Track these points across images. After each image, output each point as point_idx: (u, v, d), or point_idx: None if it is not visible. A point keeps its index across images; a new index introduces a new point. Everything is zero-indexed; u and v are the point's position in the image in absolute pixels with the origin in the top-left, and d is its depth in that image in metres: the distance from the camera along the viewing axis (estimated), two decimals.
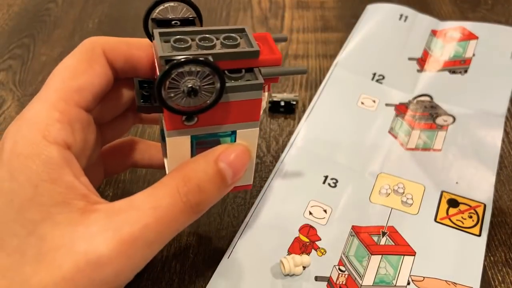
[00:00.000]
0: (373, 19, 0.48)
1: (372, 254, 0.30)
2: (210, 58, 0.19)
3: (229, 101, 0.21)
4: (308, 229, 0.31)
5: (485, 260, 0.30)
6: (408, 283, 0.29)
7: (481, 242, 0.30)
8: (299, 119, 0.39)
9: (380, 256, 0.30)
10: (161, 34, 0.21)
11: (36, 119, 0.20)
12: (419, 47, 0.46)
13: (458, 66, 0.44)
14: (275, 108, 0.40)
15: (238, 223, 0.32)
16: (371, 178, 0.34)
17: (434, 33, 0.47)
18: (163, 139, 0.26)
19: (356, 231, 0.31)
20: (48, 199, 0.19)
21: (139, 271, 0.20)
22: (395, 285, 0.28)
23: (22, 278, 0.18)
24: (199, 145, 0.23)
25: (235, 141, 0.23)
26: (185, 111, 0.20)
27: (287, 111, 0.40)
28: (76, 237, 0.18)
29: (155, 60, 0.22)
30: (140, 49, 0.23)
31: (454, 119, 0.39)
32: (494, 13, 0.51)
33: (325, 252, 0.30)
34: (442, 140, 0.37)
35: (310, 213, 0.32)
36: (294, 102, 0.39)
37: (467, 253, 0.30)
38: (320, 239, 0.31)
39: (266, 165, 0.36)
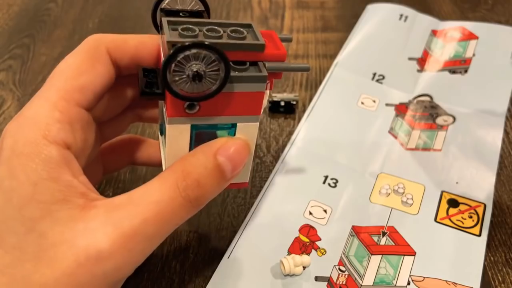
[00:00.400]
0: (373, 19, 0.48)
1: (372, 254, 0.30)
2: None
3: (232, 91, 0.21)
4: (308, 229, 0.31)
5: (485, 260, 0.30)
6: (408, 283, 0.29)
7: (481, 242, 0.30)
8: (299, 119, 0.39)
9: (380, 256, 0.30)
10: (169, 22, 0.21)
11: (36, 118, 0.20)
12: (419, 47, 0.46)
13: (458, 66, 0.44)
14: (275, 108, 0.40)
15: (238, 223, 0.32)
16: (371, 178, 0.34)
17: (434, 33, 0.47)
18: (161, 133, 0.26)
19: (356, 231, 0.31)
20: (47, 197, 0.19)
21: (138, 266, 0.21)
22: (395, 285, 0.28)
23: (23, 275, 0.18)
24: (197, 139, 0.23)
25: (234, 135, 0.23)
26: (188, 96, 0.20)
27: (287, 111, 0.40)
28: (76, 233, 0.19)
29: (161, 49, 0.22)
30: (146, 46, 0.23)
31: (454, 119, 0.39)
32: (494, 13, 0.51)
33: (325, 252, 0.30)
34: (442, 140, 0.37)
35: (310, 213, 0.32)
36: (294, 102, 0.39)
37: (467, 253, 0.30)
38: (320, 239, 0.31)
39: (266, 165, 0.36)
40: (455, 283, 0.28)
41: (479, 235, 0.31)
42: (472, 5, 0.52)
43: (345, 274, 0.29)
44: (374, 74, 0.43)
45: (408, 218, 0.32)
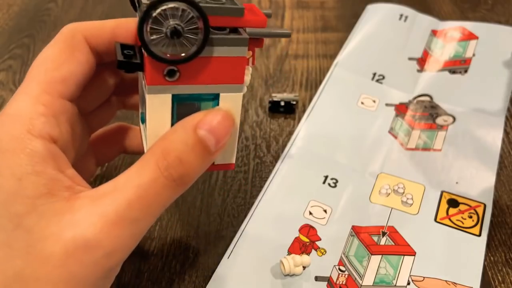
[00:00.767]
0: (373, 19, 0.48)
1: (372, 254, 0.30)
2: None
3: (212, 56, 0.20)
4: (308, 229, 0.31)
5: (485, 260, 0.30)
6: (408, 283, 0.29)
7: (481, 242, 0.30)
8: (299, 119, 0.39)
9: (380, 256, 0.30)
10: None
11: (20, 114, 0.20)
12: (419, 47, 0.46)
13: (458, 66, 0.44)
14: (275, 108, 0.40)
15: (238, 223, 0.32)
16: (371, 178, 0.34)
17: (434, 33, 0.47)
18: (142, 122, 0.25)
19: (356, 231, 0.31)
20: (32, 191, 0.19)
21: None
22: (395, 285, 0.29)
23: (15, 271, 0.18)
24: (180, 114, 0.22)
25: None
26: (167, 59, 0.19)
27: (287, 111, 0.40)
28: (62, 226, 0.18)
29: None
30: (123, 29, 0.23)
31: (454, 119, 0.39)
32: (494, 13, 0.51)
33: (325, 252, 0.30)
34: (442, 140, 0.37)
35: (310, 213, 0.32)
36: (294, 102, 0.39)
37: (467, 253, 0.30)
38: (320, 239, 0.31)
39: (266, 165, 0.36)
40: (455, 283, 0.28)
41: (479, 235, 0.31)
42: (472, 5, 0.52)
43: (345, 274, 0.29)
44: (374, 74, 0.43)
45: (408, 218, 0.32)
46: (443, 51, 0.45)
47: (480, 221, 0.32)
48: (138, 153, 0.31)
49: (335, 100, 0.41)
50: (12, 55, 0.45)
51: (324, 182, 0.34)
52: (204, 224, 0.32)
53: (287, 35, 0.23)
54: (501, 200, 0.33)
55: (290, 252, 0.30)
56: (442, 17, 0.50)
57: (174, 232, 0.32)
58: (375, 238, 0.31)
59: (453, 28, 0.47)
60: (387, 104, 0.40)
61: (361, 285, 0.28)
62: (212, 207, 0.33)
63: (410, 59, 0.44)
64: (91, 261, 0.19)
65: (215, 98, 0.22)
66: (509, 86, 0.42)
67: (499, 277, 0.29)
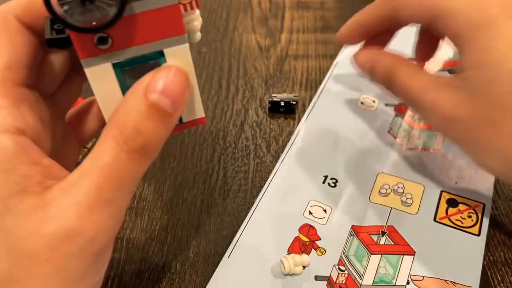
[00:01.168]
0: None
1: (371, 254, 0.30)
2: None
3: (139, 12, 0.18)
4: (308, 229, 0.31)
5: (484, 259, 0.30)
6: (408, 283, 0.29)
7: (480, 242, 0.31)
8: (299, 119, 0.39)
9: (380, 255, 0.30)
10: None
11: None
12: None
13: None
14: (275, 108, 0.40)
15: (238, 223, 0.32)
16: (370, 178, 0.34)
17: None
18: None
19: (355, 230, 0.31)
20: (4, 191, 0.18)
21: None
22: (394, 285, 0.29)
23: (4, 274, 0.18)
24: (131, 77, 0.20)
25: None
26: (89, 27, 0.18)
27: (287, 111, 0.40)
28: (39, 222, 0.18)
29: None
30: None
31: None
32: None
33: (325, 251, 0.30)
34: (441, 140, 0.37)
35: (310, 213, 0.32)
36: (294, 102, 0.40)
37: (466, 253, 0.30)
38: (320, 239, 0.31)
39: (266, 165, 0.36)
40: (454, 282, 0.29)
41: (478, 234, 0.31)
42: None
43: (344, 274, 0.29)
44: None
45: (408, 217, 0.32)
46: (443, 51, 0.45)
47: (479, 221, 0.32)
48: None
49: (335, 100, 0.41)
50: None
51: (324, 182, 0.34)
52: (204, 223, 0.32)
53: None
54: (501, 200, 0.33)
55: (290, 251, 0.30)
56: None
57: (175, 232, 0.32)
58: (375, 238, 0.31)
59: None
60: (386, 104, 0.40)
61: (360, 285, 0.29)
62: (212, 207, 0.33)
63: (410, 59, 0.44)
64: (76, 250, 0.18)
65: (161, 54, 0.20)
66: None
67: (498, 277, 0.29)
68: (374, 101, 0.41)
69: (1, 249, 0.18)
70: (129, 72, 0.20)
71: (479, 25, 0.25)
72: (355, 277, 0.29)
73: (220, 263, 0.30)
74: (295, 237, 0.31)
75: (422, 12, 0.28)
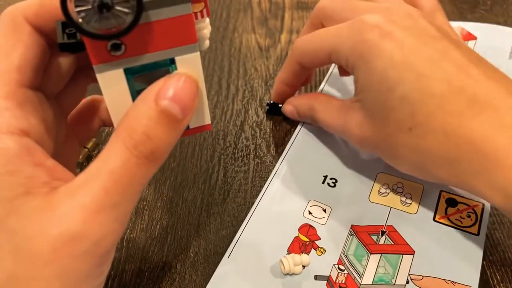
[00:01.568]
0: None
1: (371, 253, 0.30)
2: None
3: (153, 20, 0.19)
4: (307, 229, 0.31)
5: (483, 259, 0.30)
6: (407, 282, 0.29)
7: (480, 241, 0.31)
8: None
9: (379, 255, 0.30)
10: None
11: None
12: None
13: None
14: (273, 110, 0.40)
15: (238, 223, 0.32)
16: (370, 178, 0.34)
17: None
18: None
19: (355, 230, 0.31)
20: (8, 192, 0.18)
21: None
22: (394, 284, 0.29)
23: (7, 274, 0.18)
24: (141, 82, 0.20)
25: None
26: (105, 34, 0.18)
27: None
28: (45, 223, 0.18)
29: None
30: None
31: None
32: (492, 14, 0.51)
33: (325, 251, 0.30)
34: None
35: (310, 213, 0.32)
36: None
37: (465, 252, 0.30)
38: (320, 239, 0.31)
39: (266, 165, 0.36)
40: (453, 282, 0.29)
41: (478, 234, 0.31)
42: (470, 5, 0.52)
43: (344, 273, 0.29)
44: None
45: (407, 217, 0.32)
46: None
47: (478, 220, 0.32)
48: None
49: None
50: None
51: (323, 182, 0.34)
52: (204, 223, 0.32)
53: None
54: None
55: (289, 251, 0.30)
56: None
57: (175, 232, 0.32)
58: (374, 238, 0.31)
59: None
60: None
61: (360, 284, 0.29)
62: (212, 207, 0.33)
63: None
64: (80, 253, 0.18)
65: (172, 62, 0.20)
66: None
67: (498, 276, 0.29)
68: None
69: (6, 250, 0.18)
70: (139, 78, 0.20)
71: (360, 52, 0.28)
72: (355, 277, 0.29)
73: (220, 263, 0.30)
74: (295, 237, 0.31)
75: (317, 55, 0.32)
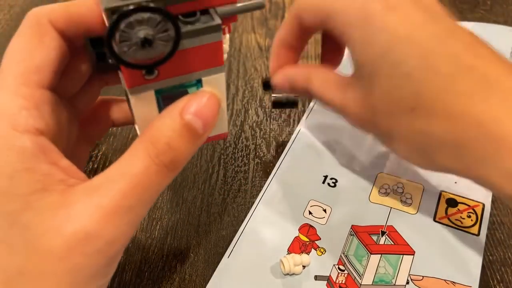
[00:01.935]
0: None
1: (371, 254, 0.30)
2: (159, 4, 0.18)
3: (188, 48, 0.20)
4: (307, 229, 0.31)
5: (483, 259, 0.30)
6: (407, 282, 0.29)
7: (480, 242, 0.31)
8: (299, 119, 0.39)
9: (380, 255, 0.30)
10: None
11: (0, 112, 0.19)
12: None
13: None
14: (278, 104, 0.39)
15: (238, 223, 0.32)
16: (370, 178, 0.34)
17: None
18: (127, 97, 0.25)
19: (355, 230, 0.31)
20: (25, 188, 0.19)
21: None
22: (394, 284, 0.29)
23: (17, 269, 0.18)
24: (166, 100, 0.22)
25: None
26: (143, 64, 0.19)
27: (290, 106, 0.40)
28: (60, 220, 0.19)
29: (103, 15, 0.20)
30: (90, 10, 0.22)
31: None
32: (492, 14, 0.51)
33: (325, 251, 0.30)
34: None
35: (310, 213, 0.32)
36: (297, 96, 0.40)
37: (465, 253, 0.30)
38: (320, 239, 0.31)
39: (266, 165, 0.36)
40: (453, 282, 0.29)
41: (478, 234, 0.31)
42: (471, 5, 0.52)
43: (344, 273, 0.29)
44: None
45: (407, 217, 0.32)
46: None
47: (478, 221, 0.32)
48: (127, 124, 0.29)
49: None
50: None
51: (323, 182, 0.34)
52: (205, 223, 0.32)
53: (261, 6, 0.21)
54: (500, 200, 0.33)
55: (289, 251, 0.30)
56: None
57: (175, 232, 0.32)
58: (375, 238, 0.31)
59: None
60: None
61: (360, 284, 0.29)
62: (212, 207, 0.33)
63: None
64: (93, 251, 0.19)
65: (198, 81, 0.22)
66: None
67: (498, 276, 0.29)
68: None
69: (18, 244, 0.18)
70: (167, 96, 0.22)
71: (360, 21, 0.26)
72: (355, 277, 0.29)
73: (220, 263, 0.30)
74: (295, 237, 0.31)
75: (317, 13, 0.29)
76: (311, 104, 0.40)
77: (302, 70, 0.31)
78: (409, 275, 0.29)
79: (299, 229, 0.31)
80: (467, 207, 0.33)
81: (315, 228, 0.31)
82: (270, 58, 0.33)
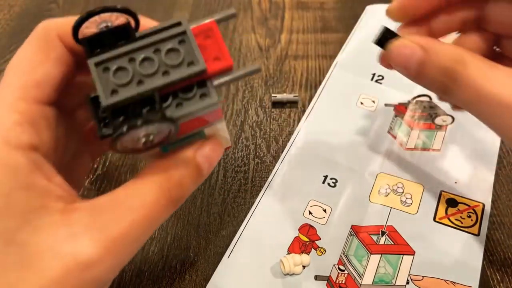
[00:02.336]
0: (372, 20, 0.48)
1: (371, 254, 0.30)
2: (156, 96, 0.19)
3: (187, 120, 0.21)
4: (308, 229, 0.31)
5: (483, 259, 0.30)
6: (407, 282, 0.29)
7: (480, 242, 0.31)
8: (299, 119, 0.39)
9: (380, 255, 0.30)
10: (97, 64, 0.19)
11: None
12: None
13: None
14: (278, 103, 0.40)
15: (238, 223, 0.32)
16: (370, 178, 0.34)
17: None
18: None
19: (355, 230, 0.31)
20: (23, 206, 0.18)
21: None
22: (394, 284, 0.29)
23: (10, 287, 0.18)
24: (172, 147, 0.23)
25: (204, 134, 0.24)
26: (144, 149, 0.20)
27: (291, 106, 0.40)
28: (60, 239, 0.18)
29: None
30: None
31: (453, 119, 0.39)
32: None
33: (325, 251, 0.30)
34: (441, 140, 0.37)
35: (310, 213, 0.32)
36: (297, 95, 0.40)
37: (466, 253, 0.30)
38: (320, 239, 0.31)
39: (266, 165, 0.36)
40: (454, 282, 0.29)
41: (478, 234, 0.31)
42: None
43: (344, 273, 0.29)
44: (374, 75, 0.43)
45: (407, 217, 0.32)
46: None
47: (479, 221, 0.32)
48: None
49: (335, 100, 0.41)
50: (13, 55, 0.45)
51: (323, 182, 0.34)
52: (205, 223, 0.32)
53: (258, 71, 0.21)
54: (500, 200, 0.33)
55: (290, 251, 0.30)
56: None
57: (175, 232, 0.32)
58: (375, 238, 0.31)
59: None
60: (386, 105, 0.40)
61: (360, 284, 0.29)
62: (212, 207, 0.33)
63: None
64: (89, 279, 0.18)
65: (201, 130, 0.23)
66: None
67: (498, 276, 0.29)
68: (373, 101, 0.41)
69: (13, 263, 0.18)
70: (173, 147, 0.23)
71: None
72: (355, 277, 0.29)
73: (220, 263, 0.30)
74: (295, 237, 0.31)
75: None
76: (311, 104, 0.40)
77: (450, 47, 0.24)
78: (409, 275, 0.29)
79: (299, 229, 0.31)
80: (467, 207, 0.33)
81: (315, 228, 0.31)
82: (392, 5, 0.25)
